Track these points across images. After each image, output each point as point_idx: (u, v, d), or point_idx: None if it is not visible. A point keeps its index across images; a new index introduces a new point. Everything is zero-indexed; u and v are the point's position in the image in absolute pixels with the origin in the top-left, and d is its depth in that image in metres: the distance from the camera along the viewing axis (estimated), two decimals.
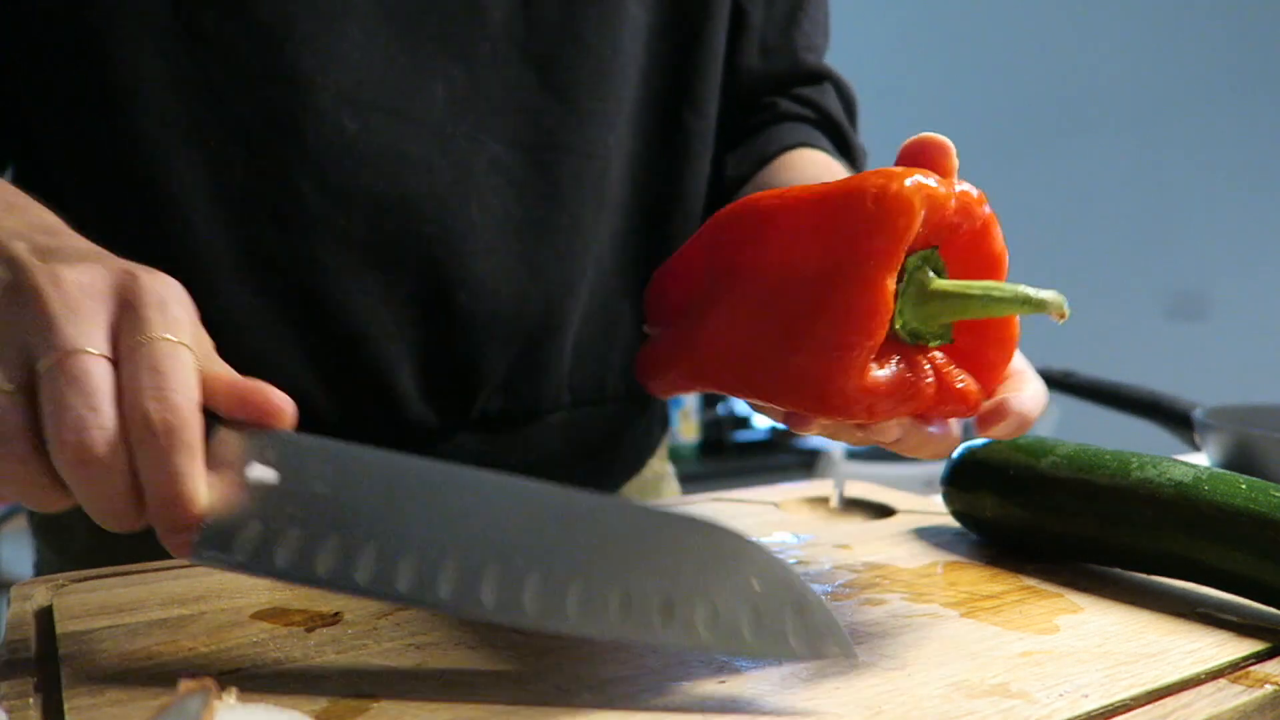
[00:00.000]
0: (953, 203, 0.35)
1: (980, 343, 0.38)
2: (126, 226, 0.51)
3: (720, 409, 2.45)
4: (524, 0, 0.55)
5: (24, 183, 0.51)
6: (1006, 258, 0.38)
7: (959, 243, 0.37)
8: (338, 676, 0.33)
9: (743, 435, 2.39)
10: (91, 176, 0.51)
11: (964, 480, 0.52)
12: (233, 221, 0.52)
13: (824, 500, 0.63)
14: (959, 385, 0.37)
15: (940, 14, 3.97)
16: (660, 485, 0.74)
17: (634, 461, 0.71)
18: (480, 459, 0.60)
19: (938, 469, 0.54)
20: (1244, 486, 0.43)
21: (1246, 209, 3.07)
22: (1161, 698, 0.34)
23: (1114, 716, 0.32)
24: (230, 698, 0.27)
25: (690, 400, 2.33)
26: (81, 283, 0.32)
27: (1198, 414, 0.68)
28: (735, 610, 0.33)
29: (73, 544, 0.60)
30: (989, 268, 0.38)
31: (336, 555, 0.32)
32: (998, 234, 0.37)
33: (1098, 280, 3.46)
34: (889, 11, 4.07)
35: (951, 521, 0.56)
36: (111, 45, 0.49)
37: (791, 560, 0.49)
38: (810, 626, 0.33)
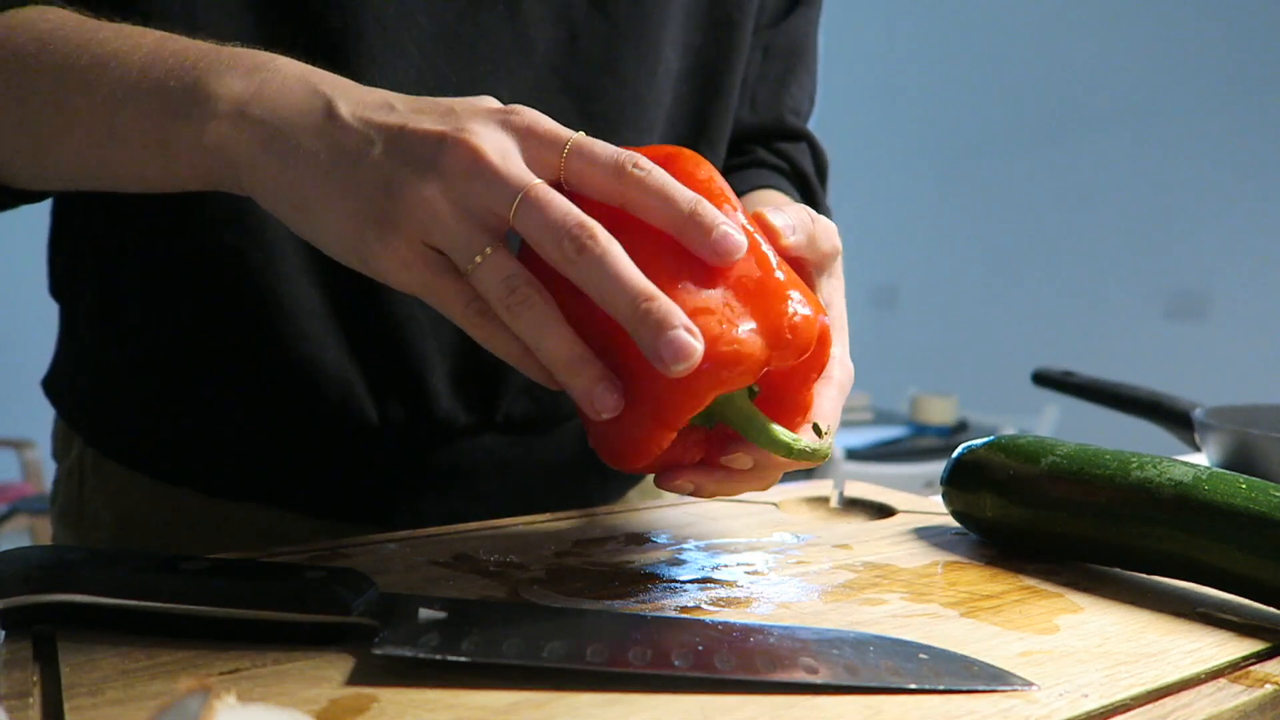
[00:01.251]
0: (767, 367, 0.38)
1: (778, 409, 0.42)
2: (209, 208, 0.54)
3: None
4: (570, 35, 0.58)
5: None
6: (821, 380, 0.42)
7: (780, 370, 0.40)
8: (338, 676, 0.33)
9: None
10: None
11: (964, 480, 0.52)
12: None
13: (824, 500, 0.63)
14: (723, 459, 0.41)
15: (940, 14, 3.97)
16: None
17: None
18: (504, 460, 0.62)
19: (938, 469, 0.54)
20: (1244, 486, 0.43)
21: (1246, 208, 3.07)
22: (1161, 697, 0.34)
23: (1114, 716, 0.33)
24: (230, 698, 0.27)
25: None
26: (493, 136, 0.38)
27: (1198, 414, 0.68)
28: (913, 663, 0.35)
29: (95, 534, 0.61)
30: (804, 388, 0.42)
31: (519, 644, 0.34)
32: (816, 372, 0.41)
33: (1098, 280, 3.47)
34: (890, 13, 4.07)
35: (951, 521, 0.56)
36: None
37: (791, 560, 0.49)
38: (983, 673, 0.35)
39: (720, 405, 0.40)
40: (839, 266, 0.48)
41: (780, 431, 0.39)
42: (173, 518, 0.59)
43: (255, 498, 0.59)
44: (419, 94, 0.53)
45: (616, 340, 0.38)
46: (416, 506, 0.60)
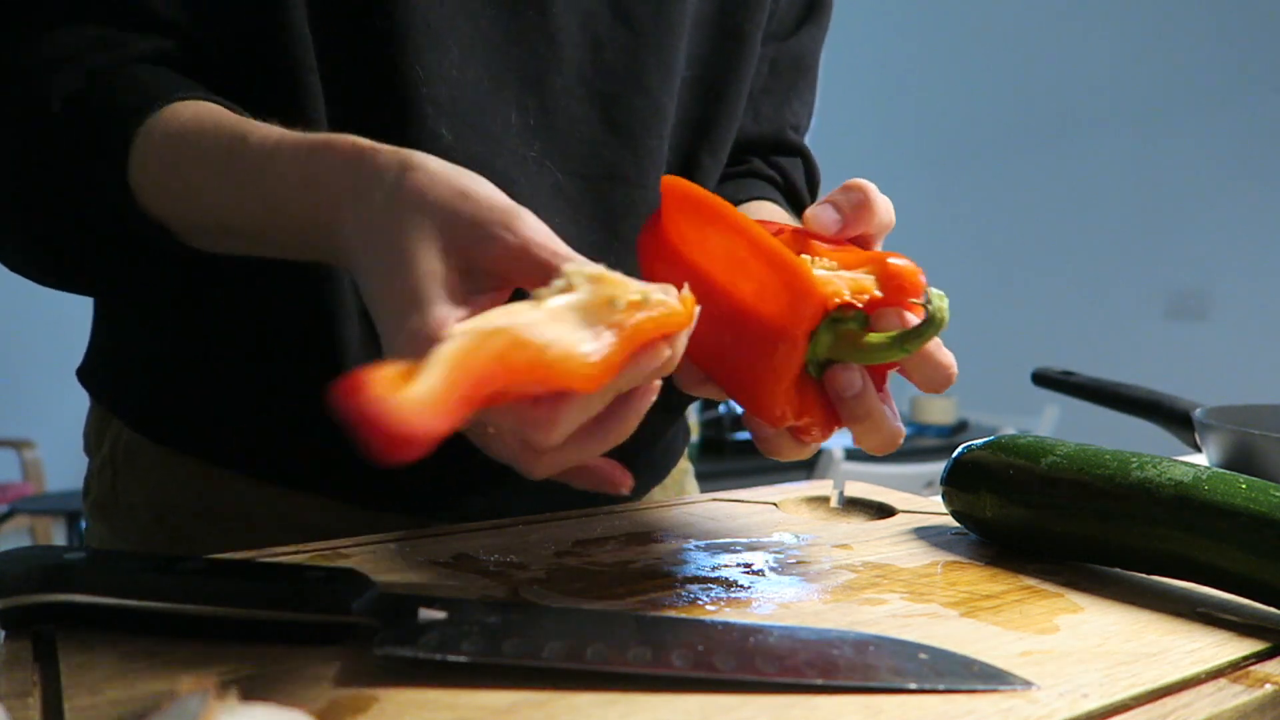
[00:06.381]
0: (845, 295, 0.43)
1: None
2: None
3: (721, 408, 2.45)
4: (595, 45, 0.60)
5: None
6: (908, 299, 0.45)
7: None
8: (338, 676, 0.33)
9: (742, 435, 2.38)
10: None
11: (964, 480, 0.52)
12: None
13: (824, 500, 0.63)
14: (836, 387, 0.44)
15: (940, 14, 3.97)
16: (684, 481, 0.79)
17: (662, 468, 0.75)
18: None
19: (938, 469, 0.54)
20: (1244, 486, 0.43)
21: (1247, 207, 3.07)
22: (1161, 697, 0.34)
23: (1114, 716, 0.33)
24: (230, 698, 0.27)
25: None
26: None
27: (1198, 414, 0.68)
28: (913, 663, 0.35)
29: (130, 526, 0.62)
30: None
31: (519, 642, 0.35)
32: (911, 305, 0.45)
33: (1098, 280, 3.47)
34: (890, 12, 4.07)
35: (951, 521, 0.56)
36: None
37: (791, 560, 0.49)
38: (983, 673, 0.35)
39: (822, 343, 0.43)
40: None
41: (879, 336, 0.43)
42: (211, 509, 0.60)
43: (300, 485, 0.60)
44: (460, 86, 0.56)
45: (727, 338, 0.43)
46: (461, 500, 0.61)
